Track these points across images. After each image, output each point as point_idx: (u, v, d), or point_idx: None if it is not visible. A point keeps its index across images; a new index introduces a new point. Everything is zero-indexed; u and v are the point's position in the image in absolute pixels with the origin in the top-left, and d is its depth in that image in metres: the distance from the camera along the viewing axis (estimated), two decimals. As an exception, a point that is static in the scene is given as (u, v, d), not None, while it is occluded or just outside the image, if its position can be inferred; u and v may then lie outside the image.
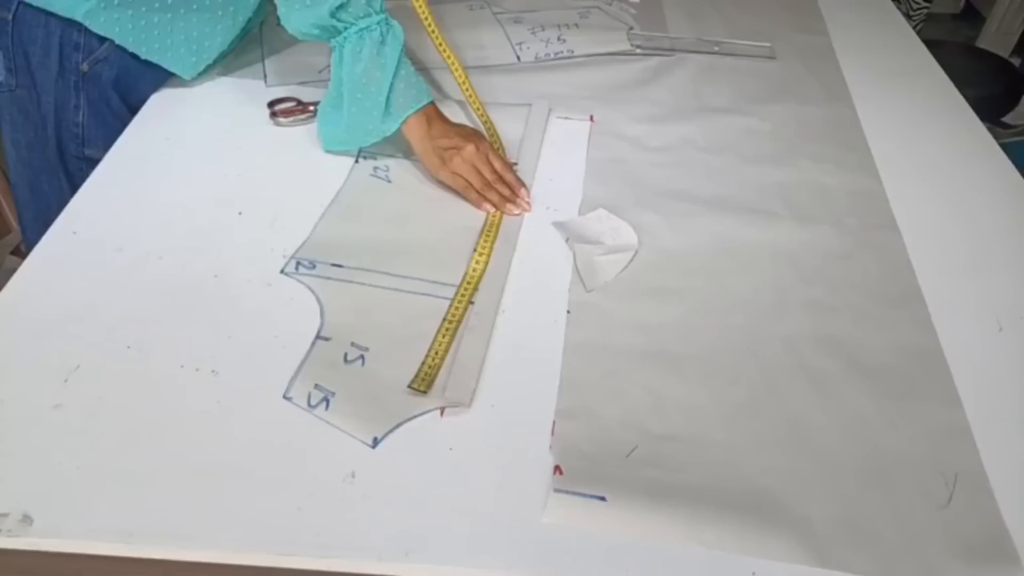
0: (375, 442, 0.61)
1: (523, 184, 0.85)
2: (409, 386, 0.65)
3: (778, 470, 0.60)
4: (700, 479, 0.59)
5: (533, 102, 1.00)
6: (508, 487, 0.59)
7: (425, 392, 0.64)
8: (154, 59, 0.90)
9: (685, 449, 0.62)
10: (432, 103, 0.84)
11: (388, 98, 0.81)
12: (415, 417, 0.63)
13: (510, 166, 0.86)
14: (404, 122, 0.82)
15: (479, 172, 0.82)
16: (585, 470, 0.59)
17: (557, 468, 0.59)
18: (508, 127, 0.96)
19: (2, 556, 0.55)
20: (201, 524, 0.55)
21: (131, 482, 0.58)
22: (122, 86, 0.91)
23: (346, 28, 0.79)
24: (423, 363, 0.67)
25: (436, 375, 0.66)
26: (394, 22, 0.81)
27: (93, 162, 0.85)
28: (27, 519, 0.55)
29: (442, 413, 0.63)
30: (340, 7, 0.77)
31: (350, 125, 0.84)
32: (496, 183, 0.83)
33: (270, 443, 0.61)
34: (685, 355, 0.69)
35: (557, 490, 0.58)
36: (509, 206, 0.82)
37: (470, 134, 0.84)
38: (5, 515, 0.55)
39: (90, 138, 0.91)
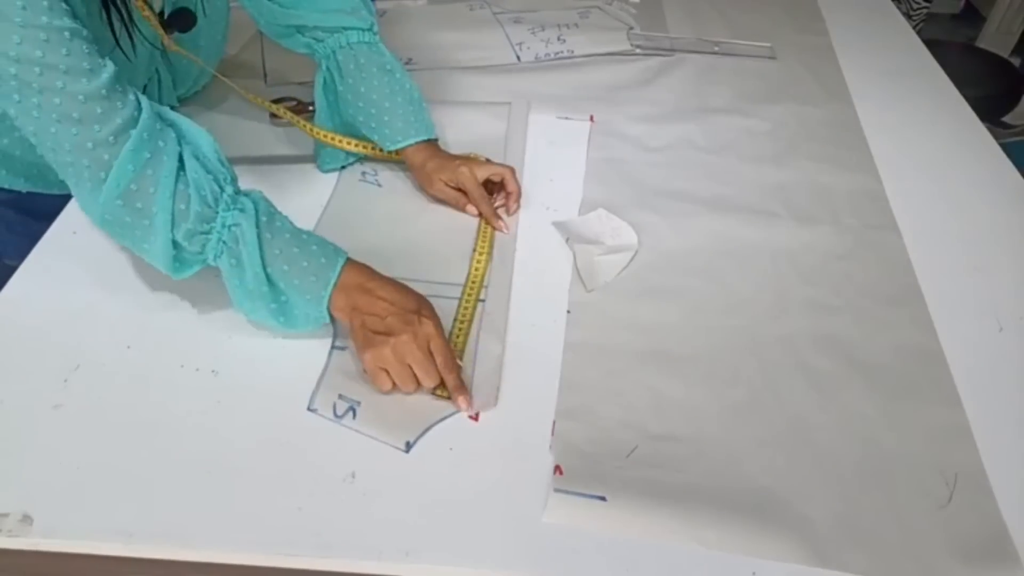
0: (408, 447, 0.61)
1: (465, 391, 0.64)
2: (433, 391, 0.65)
3: (778, 470, 0.60)
4: (700, 479, 0.59)
5: (512, 100, 1.00)
6: (508, 487, 0.59)
7: (449, 397, 0.64)
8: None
9: (685, 449, 0.62)
10: (345, 272, 0.66)
11: (294, 306, 0.67)
12: (445, 419, 0.63)
13: (455, 362, 0.65)
14: (331, 311, 0.67)
15: (406, 367, 0.63)
16: (585, 470, 0.59)
17: (557, 468, 0.59)
18: (490, 125, 0.96)
19: (2, 556, 0.55)
20: (201, 524, 0.56)
21: (131, 482, 0.58)
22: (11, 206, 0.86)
23: (204, 261, 0.66)
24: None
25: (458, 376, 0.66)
26: (235, 213, 0.64)
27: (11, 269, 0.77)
28: (27, 519, 0.55)
29: (476, 418, 0.63)
30: (175, 245, 0.63)
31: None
32: (432, 387, 0.65)
33: (270, 443, 0.61)
34: (685, 355, 0.69)
35: (557, 490, 0.58)
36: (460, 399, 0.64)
37: (409, 308, 0.65)
38: (5, 515, 0.55)
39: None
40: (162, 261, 0.64)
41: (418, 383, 0.64)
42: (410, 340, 0.63)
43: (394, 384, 0.64)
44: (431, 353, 0.64)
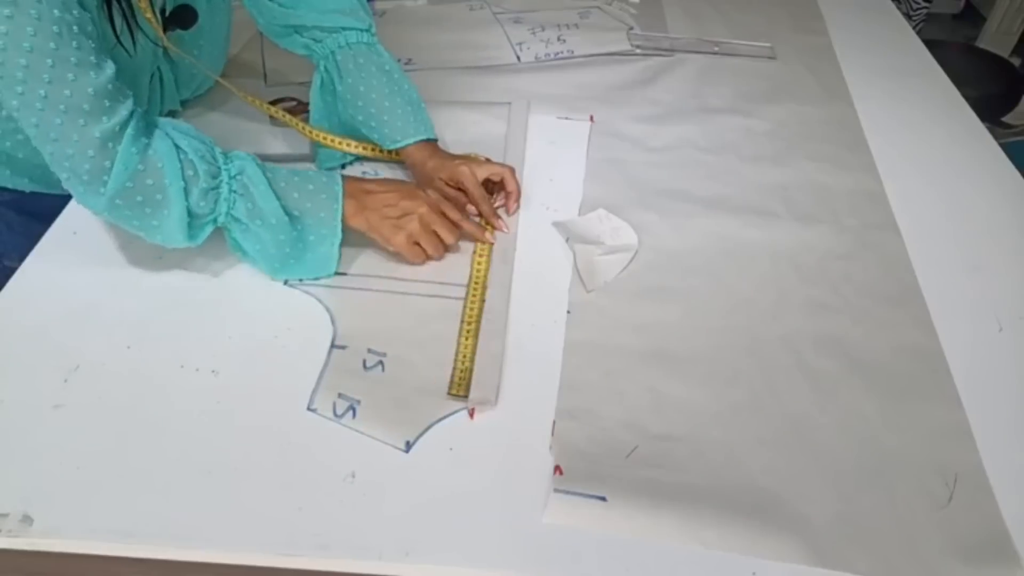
0: (408, 446, 0.61)
1: (485, 227, 0.79)
2: (449, 392, 0.65)
3: (778, 470, 0.60)
4: (700, 479, 0.59)
5: (512, 101, 1.00)
6: (508, 487, 0.59)
7: (465, 396, 0.64)
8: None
9: (685, 449, 0.62)
10: (346, 182, 0.73)
11: (309, 231, 0.72)
12: (445, 418, 0.63)
13: (466, 213, 0.79)
14: (346, 221, 0.73)
15: (433, 235, 0.75)
16: (585, 470, 0.59)
17: (557, 468, 0.59)
18: (490, 125, 0.96)
19: (2, 556, 0.55)
20: (201, 524, 0.56)
21: (131, 482, 0.58)
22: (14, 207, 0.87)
23: (215, 220, 0.69)
24: (454, 368, 0.67)
25: (470, 377, 0.66)
26: (237, 163, 0.69)
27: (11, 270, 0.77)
28: (27, 519, 0.55)
29: (472, 414, 0.63)
30: (190, 212, 0.67)
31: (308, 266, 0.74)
32: (449, 237, 0.76)
33: (270, 443, 0.61)
34: (685, 355, 0.69)
35: (557, 490, 0.58)
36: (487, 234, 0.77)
37: (408, 191, 0.76)
38: (5, 515, 0.55)
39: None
40: (179, 231, 0.67)
41: (445, 246, 0.75)
42: (429, 210, 0.74)
43: (426, 255, 0.75)
44: (443, 214, 0.76)
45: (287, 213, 0.70)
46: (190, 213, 0.67)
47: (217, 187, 0.68)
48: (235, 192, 0.69)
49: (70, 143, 0.62)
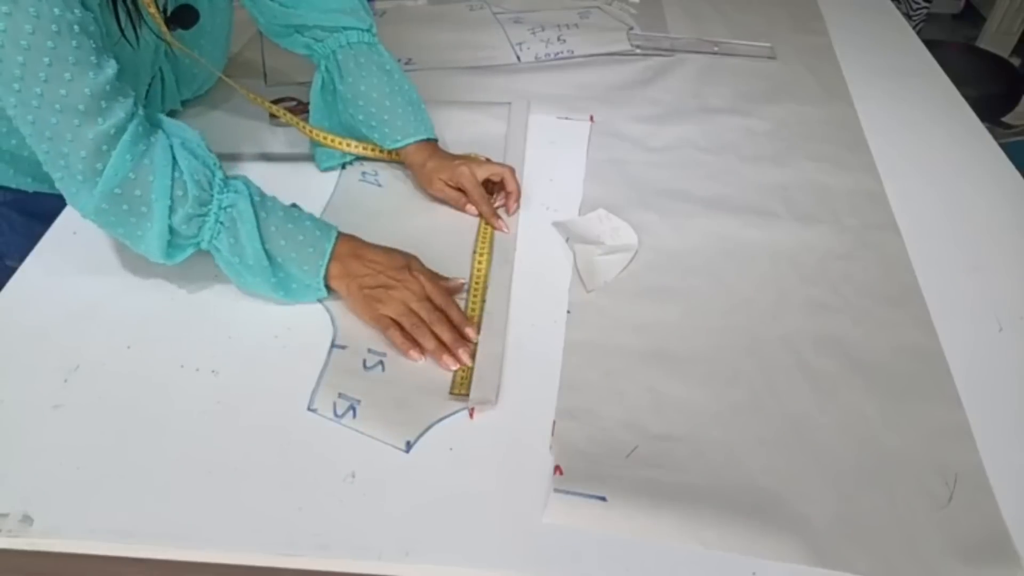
0: (408, 446, 0.61)
1: (470, 323, 0.70)
2: (450, 392, 0.65)
3: (778, 470, 0.60)
4: (700, 479, 0.59)
5: (512, 101, 1.00)
6: (508, 487, 0.59)
7: (466, 396, 0.64)
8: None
9: (685, 449, 0.62)
10: (339, 241, 0.71)
11: (292, 279, 0.70)
12: (445, 418, 0.63)
13: (453, 300, 0.71)
14: (327, 281, 0.71)
15: (413, 313, 0.68)
16: (585, 470, 0.59)
17: (557, 468, 0.59)
18: (490, 125, 0.96)
19: (2, 556, 0.55)
20: (201, 524, 0.56)
21: (131, 482, 0.58)
22: (16, 207, 0.87)
23: (197, 244, 0.68)
24: (457, 368, 0.67)
25: (471, 377, 0.66)
26: (231, 194, 0.67)
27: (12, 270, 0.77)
28: (27, 519, 0.55)
29: (472, 414, 0.63)
30: (171, 231, 0.66)
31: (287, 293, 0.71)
32: (436, 323, 0.68)
33: (270, 443, 0.61)
34: (685, 355, 0.69)
35: (557, 490, 0.58)
36: (446, 358, 0.66)
37: (399, 265, 0.71)
38: (5, 515, 0.55)
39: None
40: (157, 247, 0.66)
41: (426, 326, 0.67)
42: (403, 289, 0.69)
43: (405, 337, 0.67)
44: (429, 299, 0.69)
45: (268, 257, 0.68)
46: (172, 231, 0.66)
47: (204, 214, 0.67)
48: (221, 223, 0.67)
49: (64, 142, 0.61)
